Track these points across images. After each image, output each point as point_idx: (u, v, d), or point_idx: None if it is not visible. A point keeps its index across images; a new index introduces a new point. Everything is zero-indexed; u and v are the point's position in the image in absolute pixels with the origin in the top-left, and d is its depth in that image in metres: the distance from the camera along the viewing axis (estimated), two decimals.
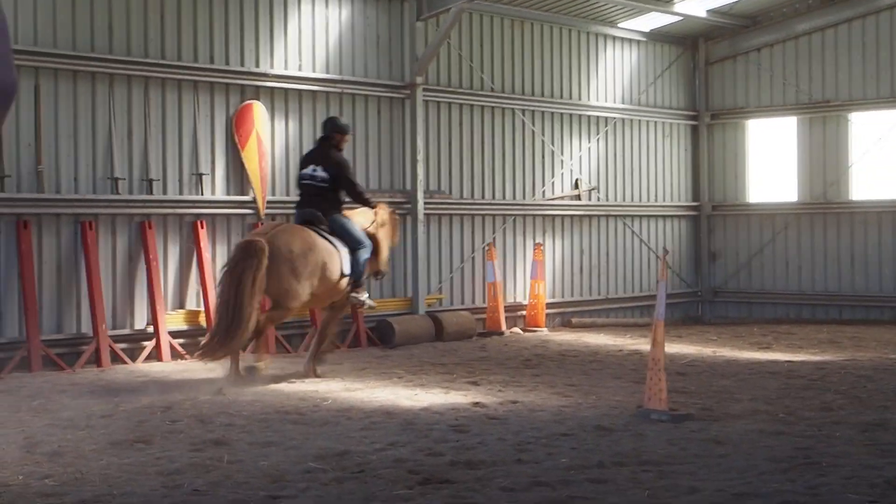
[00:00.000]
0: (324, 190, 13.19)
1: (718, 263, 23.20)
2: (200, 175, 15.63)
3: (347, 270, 13.08)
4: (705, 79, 23.18)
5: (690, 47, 23.05)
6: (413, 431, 9.43)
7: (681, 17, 21.31)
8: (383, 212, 14.12)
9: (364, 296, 13.47)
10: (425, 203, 18.14)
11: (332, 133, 13.45)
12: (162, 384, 12.46)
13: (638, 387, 11.98)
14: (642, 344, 17.04)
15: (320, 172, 13.19)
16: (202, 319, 15.40)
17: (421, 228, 18.07)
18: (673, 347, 16.05)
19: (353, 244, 13.19)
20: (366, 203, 13.69)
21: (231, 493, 7.10)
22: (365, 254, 13.30)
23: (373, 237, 13.68)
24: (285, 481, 7.46)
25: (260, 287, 12.11)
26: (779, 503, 6.68)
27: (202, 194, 15.68)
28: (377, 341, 17.09)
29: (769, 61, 22.48)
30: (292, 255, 12.40)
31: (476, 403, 10.98)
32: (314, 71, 16.99)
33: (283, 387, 12.34)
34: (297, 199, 13.56)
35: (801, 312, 21.95)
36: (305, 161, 13.47)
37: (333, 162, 13.27)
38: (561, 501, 6.83)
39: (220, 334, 11.88)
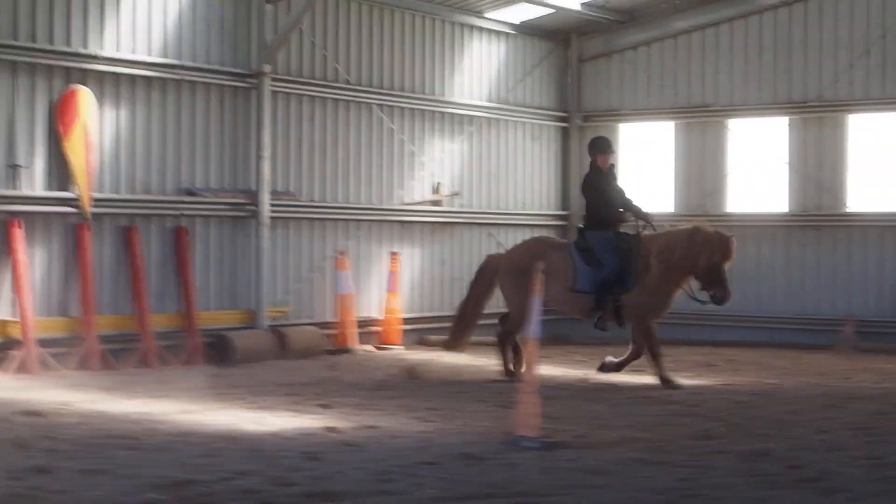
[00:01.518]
0: None
1: None
2: (17, 167, 15.29)
3: None
4: (577, 78, 23.58)
5: (562, 43, 23.44)
6: (261, 459, 9.38)
7: (553, 10, 21.66)
8: None
9: None
10: (271, 205, 18.04)
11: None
12: None
13: (505, 411, 12.10)
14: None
15: None
16: (14, 331, 15.05)
17: (266, 233, 17.97)
18: (542, 369, 16.24)
19: None
20: None
21: None
22: None
23: None
24: None
25: None
26: None
27: (19, 189, 15.34)
28: (214, 358, 16.93)
29: (646, 61, 22.99)
30: None
31: (330, 428, 10.98)
32: (150, 55, 16.78)
33: (111, 408, 12.16)
34: None
35: (675, 333, 22.41)
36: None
37: None
38: None
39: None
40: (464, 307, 16.28)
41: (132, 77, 16.56)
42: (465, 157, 21.62)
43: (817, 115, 21.45)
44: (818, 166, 21.42)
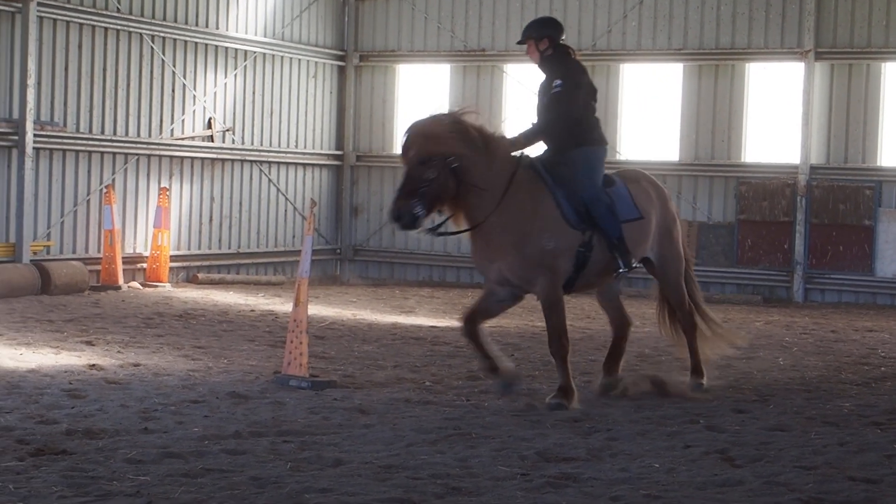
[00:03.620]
0: None
1: (360, 219, 23.67)
2: None
3: None
4: (355, 16, 23.52)
5: None
6: (20, 396, 9.19)
7: None
8: None
9: None
10: (35, 135, 17.51)
11: None
12: None
13: (274, 351, 12.15)
14: (277, 304, 17.22)
15: None
16: None
17: (29, 164, 17.44)
18: (311, 309, 16.28)
19: None
20: None
21: None
22: None
23: None
24: None
25: None
26: (428, 475, 7.01)
27: None
28: None
29: (424, 2, 23.06)
30: None
31: (92, 366, 10.81)
32: None
33: None
34: (599, 128, 10.54)
35: (446, 275, 22.79)
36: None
37: None
38: (195, 474, 6.88)
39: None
40: None
41: None
42: (239, 92, 21.35)
43: (590, 63, 21.84)
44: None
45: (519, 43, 10.62)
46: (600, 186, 10.15)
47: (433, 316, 16.83)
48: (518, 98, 22.51)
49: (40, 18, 17.66)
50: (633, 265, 10.43)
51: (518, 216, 9.79)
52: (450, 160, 9.58)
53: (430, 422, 8.74)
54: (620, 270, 10.27)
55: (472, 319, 10.11)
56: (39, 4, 17.50)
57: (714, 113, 21.15)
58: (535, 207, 9.88)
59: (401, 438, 8.09)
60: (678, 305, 10.89)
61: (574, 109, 10.14)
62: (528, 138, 10.25)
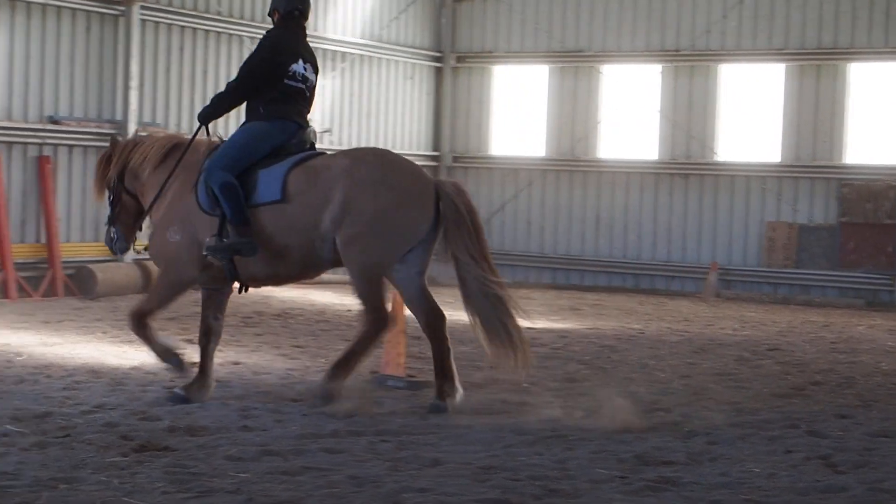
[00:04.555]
0: (310, 105, 9.84)
1: None
2: None
3: None
4: (452, 17, 23.57)
5: None
6: (123, 393, 9.34)
7: None
8: None
9: None
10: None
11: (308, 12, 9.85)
12: None
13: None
14: None
15: (311, 75, 9.71)
16: None
17: None
18: (404, 309, 16.34)
19: None
20: None
21: None
22: None
23: None
24: None
25: None
26: (527, 477, 6.99)
27: None
28: (76, 291, 16.69)
29: (522, 3, 23.03)
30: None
31: (193, 364, 10.90)
32: None
33: None
34: (275, 104, 9.48)
35: (541, 276, 22.73)
36: (286, 49, 9.55)
37: (316, 61, 9.90)
38: (294, 472, 6.94)
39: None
40: None
41: None
42: (336, 94, 21.49)
43: (689, 63, 21.74)
44: (688, 115, 21.73)
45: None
46: (227, 163, 9.12)
47: (529, 317, 16.73)
48: (614, 99, 22.40)
49: (143, 22, 17.92)
50: (254, 251, 9.10)
51: (159, 208, 9.47)
52: (108, 180, 9.68)
53: (527, 423, 8.71)
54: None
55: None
56: (142, 8, 17.77)
57: (816, 113, 20.87)
58: (181, 195, 9.36)
59: (499, 439, 8.08)
60: (360, 301, 9.40)
61: (239, 83, 9.54)
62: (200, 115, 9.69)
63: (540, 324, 15.81)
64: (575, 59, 22.58)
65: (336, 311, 16.30)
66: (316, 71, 9.73)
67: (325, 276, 20.48)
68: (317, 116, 20.97)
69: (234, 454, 7.31)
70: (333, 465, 7.13)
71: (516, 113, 23.44)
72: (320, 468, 7.05)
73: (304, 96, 9.58)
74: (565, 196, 22.72)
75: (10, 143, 16.43)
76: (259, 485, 6.62)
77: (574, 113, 22.69)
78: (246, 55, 19.32)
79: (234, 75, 19.02)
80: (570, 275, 22.42)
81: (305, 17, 9.68)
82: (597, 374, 11.52)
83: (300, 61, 9.51)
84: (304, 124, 9.60)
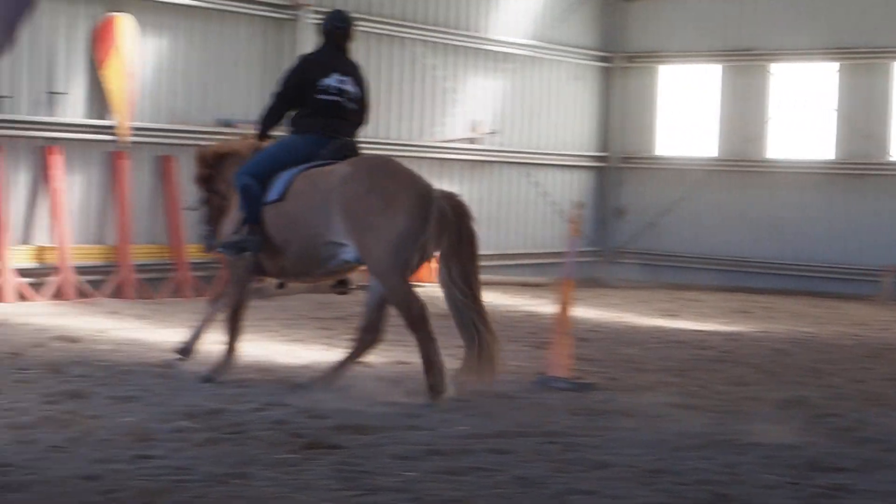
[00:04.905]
0: (357, 115, 10.39)
1: (624, 221, 23.54)
2: (57, 94, 15.34)
3: None
4: (621, 17, 23.41)
5: None
6: (293, 391, 9.46)
7: None
8: None
9: None
10: None
11: (350, 30, 10.40)
12: (7, 328, 12.29)
13: (537, 352, 12.16)
14: (539, 305, 17.25)
15: (351, 87, 10.19)
16: (51, 257, 15.21)
17: None
18: (573, 311, 16.28)
19: None
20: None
21: (94, 451, 7.08)
22: None
23: None
24: (153, 440, 7.46)
25: None
26: (694, 481, 6.89)
27: (58, 116, 15.41)
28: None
29: (690, 3, 22.76)
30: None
31: (361, 363, 11.03)
32: None
33: (145, 336, 12.28)
34: (304, 118, 10.08)
35: (710, 278, 22.40)
36: (315, 66, 10.10)
37: (364, 76, 10.46)
38: (460, 472, 6.95)
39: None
40: None
41: (174, 6, 16.53)
42: (503, 95, 21.52)
43: (866, 61, 21.22)
44: (865, 114, 21.23)
45: None
46: (253, 169, 9.93)
47: (697, 320, 16.58)
48: (783, 99, 22.01)
49: (312, 25, 18.18)
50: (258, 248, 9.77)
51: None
52: (202, 180, 10.54)
53: (695, 426, 8.60)
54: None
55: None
56: (313, 12, 18.04)
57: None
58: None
59: (666, 443, 7.99)
60: (390, 301, 9.86)
61: (274, 101, 10.19)
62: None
63: (709, 326, 15.65)
64: (743, 59, 22.22)
65: (502, 313, 16.29)
66: (360, 82, 10.27)
67: (491, 276, 20.64)
68: (483, 118, 21.05)
69: (400, 453, 7.36)
70: (499, 466, 7.13)
71: (683, 113, 23.17)
72: (486, 468, 7.06)
73: (340, 108, 10.10)
74: (734, 197, 22.38)
75: (186, 146, 16.69)
76: (425, 484, 6.65)
77: (743, 113, 22.34)
78: (409, 57, 19.72)
79: (395, 78, 19.40)
80: (739, 277, 22.05)
81: (347, 35, 10.29)
82: (767, 377, 11.32)
83: (334, 75, 10.02)
84: (335, 135, 10.08)
